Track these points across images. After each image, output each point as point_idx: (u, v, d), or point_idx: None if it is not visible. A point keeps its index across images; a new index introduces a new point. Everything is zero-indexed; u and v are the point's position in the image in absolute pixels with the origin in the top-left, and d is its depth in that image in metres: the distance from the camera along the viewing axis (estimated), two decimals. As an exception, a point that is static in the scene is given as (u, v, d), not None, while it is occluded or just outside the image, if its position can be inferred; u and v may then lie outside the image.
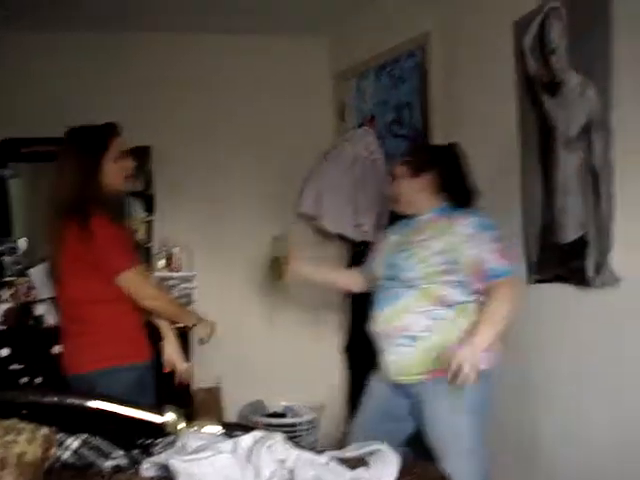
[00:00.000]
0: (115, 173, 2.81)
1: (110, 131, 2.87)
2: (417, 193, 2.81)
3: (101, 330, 2.76)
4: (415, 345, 2.63)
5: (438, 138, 3.64)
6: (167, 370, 3.06)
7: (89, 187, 2.72)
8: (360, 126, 4.29)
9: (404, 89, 4.03)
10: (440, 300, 2.64)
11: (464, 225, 2.66)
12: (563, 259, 2.68)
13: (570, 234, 2.62)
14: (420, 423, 2.73)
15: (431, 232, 2.72)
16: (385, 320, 2.73)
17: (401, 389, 2.75)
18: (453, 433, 2.60)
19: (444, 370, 2.51)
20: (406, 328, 2.65)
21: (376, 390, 2.89)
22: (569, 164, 2.60)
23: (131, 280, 2.73)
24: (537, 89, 2.80)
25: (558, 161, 2.67)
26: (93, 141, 2.83)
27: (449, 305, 2.65)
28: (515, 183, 2.94)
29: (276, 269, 3.20)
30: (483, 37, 3.24)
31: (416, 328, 2.64)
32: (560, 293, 2.72)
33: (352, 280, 3.23)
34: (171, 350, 3.05)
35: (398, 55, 4.05)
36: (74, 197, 2.71)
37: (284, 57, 4.64)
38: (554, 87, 2.69)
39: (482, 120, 3.27)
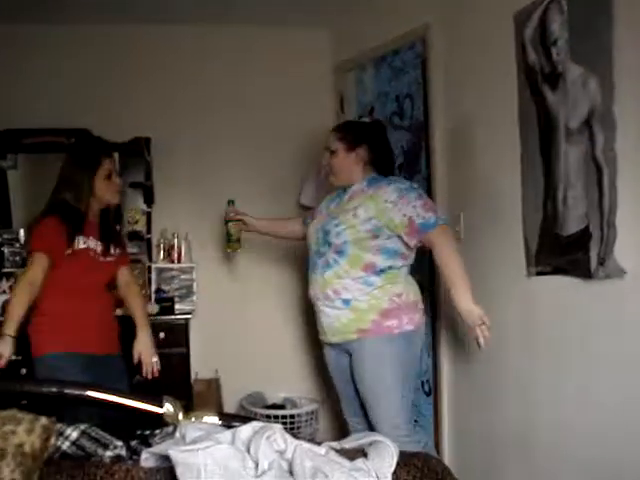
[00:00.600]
0: (106, 189, 3.15)
1: (103, 150, 3.22)
2: (351, 166, 3.12)
3: None
4: (348, 308, 2.96)
5: (439, 129, 3.64)
6: (135, 362, 3.19)
7: (77, 199, 3.09)
8: (360, 118, 4.26)
9: (405, 80, 4.01)
10: (370, 267, 2.96)
11: (388, 192, 2.96)
12: (564, 251, 2.67)
13: (572, 226, 2.60)
14: (353, 377, 3.06)
15: (360, 200, 3.01)
16: (320, 285, 3.03)
17: (340, 348, 3.10)
18: (383, 388, 2.95)
19: (370, 330, 2.94)
20: (339, 292, 2.97)
21: (329, 358, 3.24)
22: (571, 156, 2.58)
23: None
24: (538, 81, 2.78)
25: (559, 153, 2.66)
26: (88, 157, 3.16)
27: (379, 271, 2.97)
28: (516, 174, 2.92)
29: (228, 234, 3.51)
30: (484, 28, 3.23)
31: (348, 293, 2.96)
32: (560, 285, 2.71)
33: (294, 228, 3.57)
34: (142, 343, 3.20)
35: (398, 47, 4.03)
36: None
37: (284, 49, 4.63)
38: (555, 79, 2.67)
39: (483, 111, 3.25)
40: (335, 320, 3.01)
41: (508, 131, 2.97)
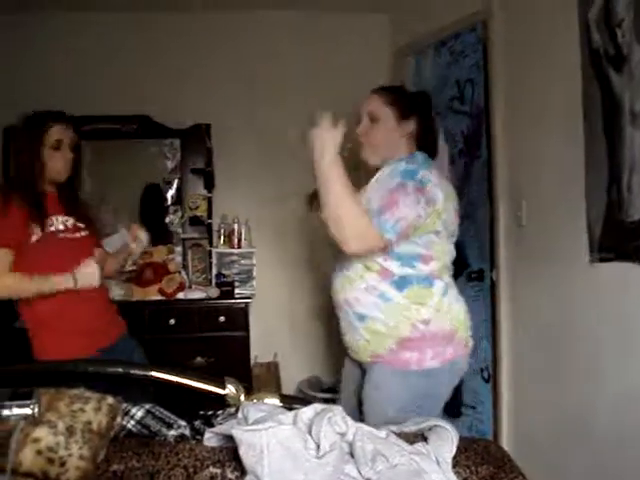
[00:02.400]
0: (52, 161, 2.74)
1: (48, 119, 2.77)
2: (398, 139, 2.51)
3: None
4: (364, 326, 2.40)
5: (500, 114, 3.59)
6: None
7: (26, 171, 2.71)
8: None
9: (465, 65, 3.96)
10: (386, 274, 2.35)
11: (385, 171, 2.45)
12: (629, 237, 2.62)
13: (637, 212, 2.56)
14: (360, 394, 2.48)
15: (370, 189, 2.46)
16: (335, 290, 2.50)
17: (357, 362, 2.56)
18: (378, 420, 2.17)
19: (384, 357, 2.36)
20: (350, 303, 2.42)
21: (346, 364, 2.71)
22: (636, 140, 2.53)
23: None
24: (602, 63, 2.73)
25: (624, 138, 2.60)
26: (32, 128, 2.76)
27: (394, 281, 2.35)
28: (579, 160, 2.87)
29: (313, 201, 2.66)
30: (546, 10, 3.17)
31: (363, 307, 2.39)
32: (625, 272, 2.66)
33: None
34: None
35: (458, 30, 3.99)
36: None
37: (343, 35, 4.62)
38: (620, 61, 2.62)
39: (545, 95, 3.20)
40: (351, 338, 2.49)
41: (571, 115, 2.91)
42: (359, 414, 2.42)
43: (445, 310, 2.39)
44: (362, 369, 2.52)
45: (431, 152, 2.55)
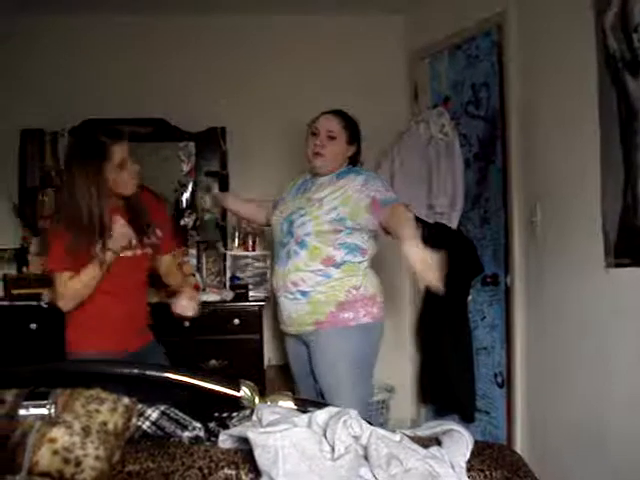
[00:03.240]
0: (119, 180, 2.73)
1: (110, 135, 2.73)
2: (342, 158, 3.10)
3: None
4: (305, 299, 2.94)
5: (516, 118, 3.58)
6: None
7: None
8: (435, 107, 4.24)
9: (480, 68, 3.96)
10: (329, 260, 2.94)
11: (356, 181, 2.95)
12: (645, 242, 2.62)
13: (653, 217, 2.55)
14: (312, 368, 3.03)
15: (327, 192, 2.98)
16: (281, 276, 3.01)
17: (298, 339, 3.10)
18: (336, 381, 2.93)
19: (326, 322, 2.93)
20: (297, 284, 2.95)
21: (289, 348, 3.23)
22: (652, 145, 2.53)
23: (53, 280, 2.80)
24: (619, 68, 2.72)
25: (640, 142, 2.60)
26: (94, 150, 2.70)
27: (338, 264, 2.94)
28: (594, 164, 2.87)
29: None
30: (562, 15, 3.16)
31: (306, 285, 2.94)
32: (640, 277, 2.66)
33: (256, 214, 3.51)
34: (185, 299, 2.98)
35: (474, 34, 3.99)
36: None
37: (359, 38, 4.63)
38: (636, 66, 2.61)
39: (561, 100, 3.20)
40: (293, 311, 3.01)
41: (587, 120, 2.91)
42: (318, 389, 3.04)
43: (370, 277, 3.03)
44: (305, 344, 3.07)
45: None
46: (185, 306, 2.95)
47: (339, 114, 3.19)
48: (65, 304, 2.78)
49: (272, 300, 4.37)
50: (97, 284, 2.73)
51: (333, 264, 2.93)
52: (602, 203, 2.85)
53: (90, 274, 2.71)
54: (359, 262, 2.99)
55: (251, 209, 3.56)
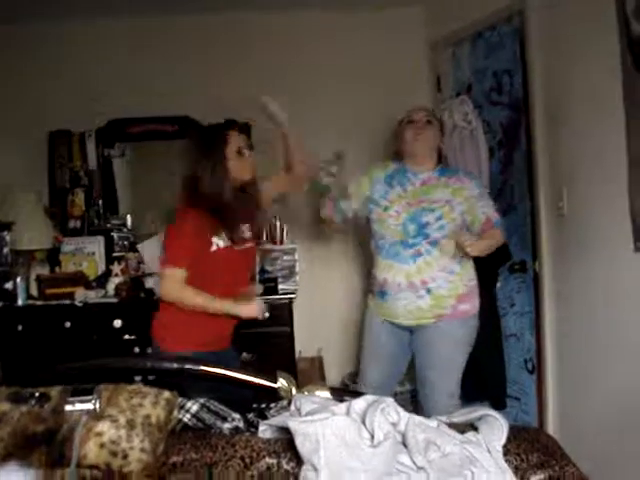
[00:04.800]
0: (239, 166, 2.91)
1: (226, 125, 2.99)
2: (435, 148, 3.31)
3: None
4: (429, 295, 3.13)
5: (539, 104, 3.58)
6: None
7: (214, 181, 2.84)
8: (457, 95, 4.25)
9: (502, 56, 3.95)
10: (454, 256, 3.12)
11: (472, 188, 3.19)
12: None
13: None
14: (418, 357, 3.26)
15: (448, 192, 3.18)
16: (406, 273, 3.14)
17: (402, 327, 3.25)
18: (450, 363, 3.19)
19: (447, 314, 3.14)
20: (426, 282, 3.13)
21: (380, 335, 3.35)
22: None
23: (161, 275, 2.91)
24: (643, 53, 2.72)
25: (666, 125, 2.60)
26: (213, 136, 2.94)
27: (458, 260, 3.15)
28: (621, 150, 2.86)
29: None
30: (583, 0, 3.16)
31: (434, 282, 3.13)
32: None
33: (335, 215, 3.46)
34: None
35: (495, 21, 3.98)
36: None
37: (380, 28, 4.61)
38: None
39: (585, 86, 3.19)
40: (414, 306, 3.17)
41: (611, 104, 2.90)
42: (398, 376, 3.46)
43: (473, 270, 3.28)
44: (409, 331, 3.26)
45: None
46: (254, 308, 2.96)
47: (427, 109, 3.47)
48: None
49: (300, 292, 4.43)
50: (208, 280, 2.83)
51: (455, 259, 3.14)
52: (629, 186, 2.84)
53: (198, 304, 2.81)
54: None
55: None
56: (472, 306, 3.24)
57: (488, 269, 3.72)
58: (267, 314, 3.04)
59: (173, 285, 2.81)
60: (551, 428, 3.63)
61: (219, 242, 2.86)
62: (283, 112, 3.21)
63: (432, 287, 3.14)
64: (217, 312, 2.84)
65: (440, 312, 3.16)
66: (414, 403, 4.20)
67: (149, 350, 3.09)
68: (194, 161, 2.88)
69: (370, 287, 3.45)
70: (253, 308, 2.91)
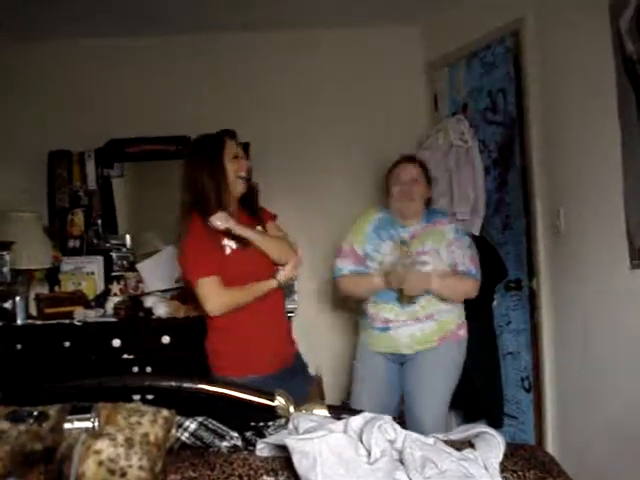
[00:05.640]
0: (235, 170, 2.92)
1: (223, 132, 3.01)
2: (423, 200, 3.38)
3: None
4: (434, 322, 3.23)
5: (535, 123, 3.61)
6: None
7: (213, 186, 2.86)
8: (454, 114, 4.28)
9: (496, 75, 4.00)
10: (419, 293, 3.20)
11: (448, 230, 3.29)
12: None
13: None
14: (408, 383, 3.28)
15: (432, 240, 3.26)
16: (412, 314, 3.22)
17: (394, 359, 3.31)
18: (441, 383, 3.23)
19: (448, 337, 3.24)
20: (432, 315, 3.23)
21: (376, 366, 3.35)
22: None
23: (197, 292, 2.82)
24: (636, 70, 2.74)
25: (661, 143, 2.62)
26: (212, 143, 2.96)
27: None
28: (616, 166, 2.88)
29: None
30: (578, 20, 3.19)
31: (439, 314, 3.24)
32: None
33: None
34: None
35: (488, 42, 4.03)
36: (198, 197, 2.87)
37: (377, 48, 4.66)
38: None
39: (579, 104, 3.23)
40: (420, 333, 3.24)
41: (607, 122, 2.93)
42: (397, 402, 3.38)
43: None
44: (399, 363, 3.31)
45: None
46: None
47: (413, 160, 3.47)
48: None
49: (299, 311, 4.43)
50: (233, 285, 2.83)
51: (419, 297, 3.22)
52: (625, 206, 2.86)
53: (244, 298, 2.83)
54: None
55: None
56: (465, 332, 3.35)
57: (484, 287, 3.74)
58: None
59: (213, 293, 2.78)
60: (549, 446, 3.63)
61: (231, 244, 2.85)
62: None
63: (437, 317, 3.24)
64: (263, 292, 2.85)
65: (444, 335, 3.25)
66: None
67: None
68: (194, 166, 2.90)
69: (365, 323, 3.43)
70: (287, 269, 2.94)
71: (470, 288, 3.26)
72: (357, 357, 3.48)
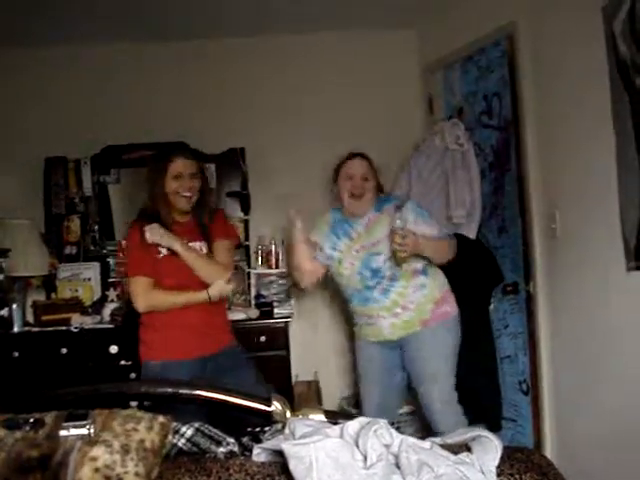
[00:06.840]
0: (173, 188, 3.12)
1: (171, 152, 3.19)
2: (375, 194, 3.39)
3: None
4: (409, 313, 3.29)
5: (530, 126, 3.62)
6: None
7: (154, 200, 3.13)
8: (449, 118, 4.29)
9: (491, 79, 4.00)
10: (417, 272, 3.31)
11: (406, 212, 3.23)
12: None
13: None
14: (411, 371, 3.37)
15: (382, 228, 3.26)
16: (388, 309, 3.30)
17: (391, 345, 3.37)
18: (441, 366, 3.29)
19: (430, 318, 3.28)
20: (406, 306, 3.29)
21: (371, 353, 3.47)
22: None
23: (129, 288, 3.18)
24: (630, 74, 2.75)
25: (655, 146, 2.62)
26: (158, 161, 3.18)
27: (425, 272, 3.33)
28: (611, 170, 2.88)
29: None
30: (571, 23, 3.19)
31: (412, 303, 3.29)
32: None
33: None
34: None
35: (484, 45, 4.03)
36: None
37: (372, 51, 4.68)
38: (647, 71, 2.64)
39: (574, 107, 3.23)
40: (400, 321, 3.31)
41: (602, 126, 2.93)
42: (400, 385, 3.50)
43: (442, 275, 3.44)
44: (399, 348, 3.38)
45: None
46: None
47: (360, 155, 3.45)
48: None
49: (296, 316, 4.43)
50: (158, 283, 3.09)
51: (422, 272, 3.32)
52: (620, 209, 2.86)
53: (171, 301, 3.10)
54: (432, 262, 3.33)
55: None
56: (451, 307, 3.38)
57: (481, 291, 3.74)
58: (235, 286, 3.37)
59: (141, 292, 3.06)
60: (548, 449, 3.63)
61: (164, 250, 3.08)
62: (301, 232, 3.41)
63: (412, 306, 3.29)
64: (190, 302, 3.08)
65: (424, 317, 3.29)
66: (414, 424, 4.21)
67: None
68: (146, 178, 3.19)
69: (354, 319, 3.57)
70: (219, 284, 3.11)
71: (452, 246, 3.34)
72: (355, 349, 3.62)
